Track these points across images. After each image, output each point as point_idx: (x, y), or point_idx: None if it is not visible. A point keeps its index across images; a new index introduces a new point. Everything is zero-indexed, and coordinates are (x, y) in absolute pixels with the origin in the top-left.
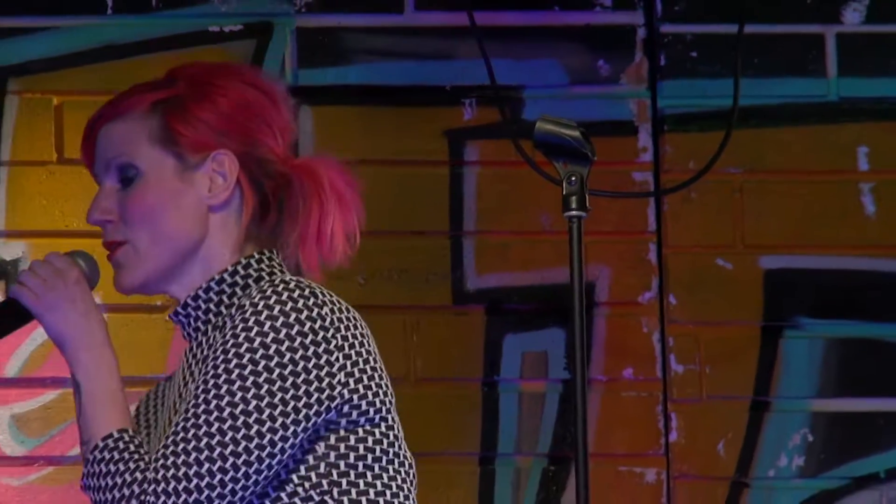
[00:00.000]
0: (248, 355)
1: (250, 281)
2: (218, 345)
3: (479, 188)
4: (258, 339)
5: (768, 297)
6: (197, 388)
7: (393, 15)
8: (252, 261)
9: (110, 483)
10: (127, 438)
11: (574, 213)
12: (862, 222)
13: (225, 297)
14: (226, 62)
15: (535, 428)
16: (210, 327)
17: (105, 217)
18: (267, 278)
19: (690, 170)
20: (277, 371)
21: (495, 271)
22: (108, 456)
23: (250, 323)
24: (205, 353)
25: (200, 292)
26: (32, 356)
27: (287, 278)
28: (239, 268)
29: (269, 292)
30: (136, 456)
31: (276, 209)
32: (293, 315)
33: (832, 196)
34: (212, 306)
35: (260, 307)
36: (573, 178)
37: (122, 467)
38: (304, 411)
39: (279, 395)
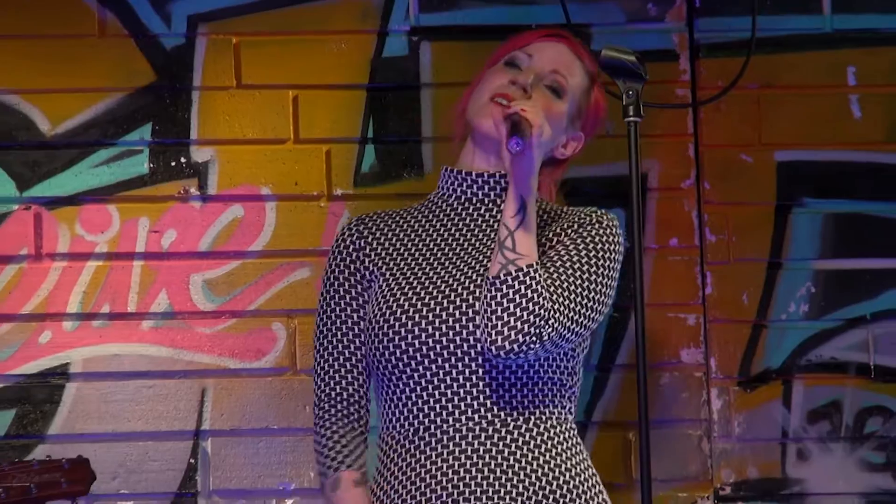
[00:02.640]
0: (610, 258)
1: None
2: (577, 231)
3: None
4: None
5: (780, 183)
6: (570, 251)
7: None
8: None
9: (534, 299)
10: (544, 275)
11: (632, 118)
12: (851, 124)
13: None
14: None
15: None
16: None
17: (524, 86)
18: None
19: (719, 86)
20: (614, 266)
21: (571, 165)
22: (539, 279)
23: (614, 237)
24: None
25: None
26: (219, 235)
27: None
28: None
29: (604, 213)
30: (546, 288)
31: None
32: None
33: (828, 105)
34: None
35: (618, 232)
36: (631, 93)
37: (544, 293)
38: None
39: (608, 289)
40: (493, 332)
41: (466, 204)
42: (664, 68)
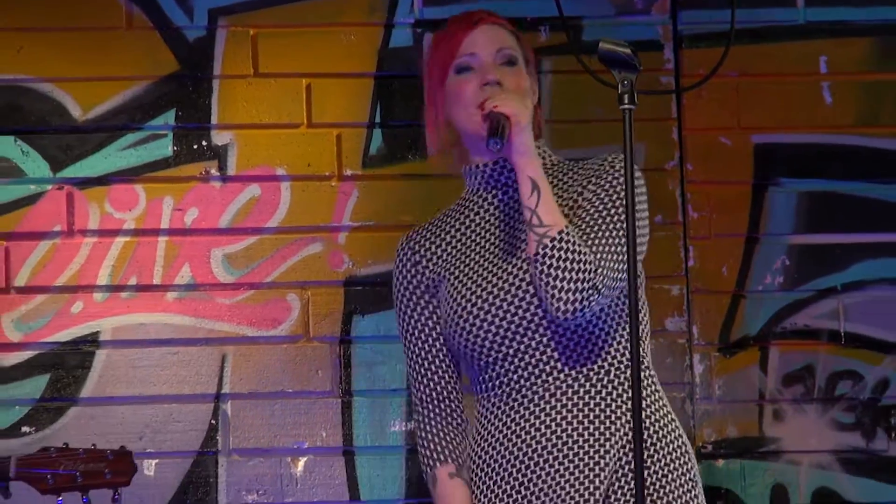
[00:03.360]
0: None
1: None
2: (596, 181)
3: (552, 90)
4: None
5: (757, 164)
6: (594, 203)
7: None
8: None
9: (576, 258)
10: (575, 232)
11: (627, 106)
12: (823, 109)
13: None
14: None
15: None
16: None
17: (496, 80)
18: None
19: (701, 74)
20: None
21: (565, 147)
22: (572, 239)
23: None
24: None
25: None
26: (238, 212)
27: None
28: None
29: (616, 156)
30: (583, 243)
31: None
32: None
33: (802, 91)
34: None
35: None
36: (626, 82)
37: (583, 249)
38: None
39: (640, 209)
40: (554, 300)
41: (494, 191)
42: (650, 57)
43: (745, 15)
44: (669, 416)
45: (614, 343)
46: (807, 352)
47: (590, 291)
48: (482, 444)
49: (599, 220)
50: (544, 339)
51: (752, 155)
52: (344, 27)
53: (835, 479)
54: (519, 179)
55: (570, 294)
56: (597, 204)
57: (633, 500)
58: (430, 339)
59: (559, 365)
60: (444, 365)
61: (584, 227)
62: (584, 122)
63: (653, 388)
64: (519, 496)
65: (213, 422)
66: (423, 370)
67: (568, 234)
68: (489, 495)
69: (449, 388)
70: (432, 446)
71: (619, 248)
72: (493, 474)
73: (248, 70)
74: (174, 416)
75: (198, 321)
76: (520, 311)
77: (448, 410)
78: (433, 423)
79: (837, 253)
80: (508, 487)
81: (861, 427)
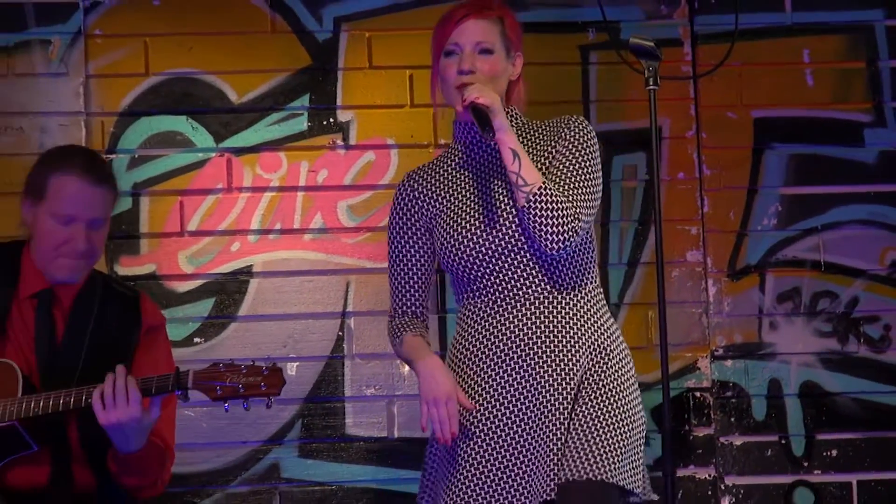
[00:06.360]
0: (591, 151)
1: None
2: (562, 142)
3: (598, 77)
4: (593, 143)
5: (756, 133)
6: (565, 160)
7: None
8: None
9: (557, 207)
10: (552, 187)
11: (652, 87)
12: (807, 89)
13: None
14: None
15: (630, 204)
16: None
17: (472, 69)
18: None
19: (712, 64)
20: (596, 155)
21: (607, 121)
22: (552, 191)
23: (587, 134)
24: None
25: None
26: (358, 173)
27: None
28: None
29: (574, 118)
30: (560, 194)
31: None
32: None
33: (790, 76)
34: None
35: (588, 129)
36: (651, 68)
37: (561, 199)
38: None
39: (598, 173)
40: (543, 242)
41: (478, 143)
42: (673, 52)
43: (746, 18)
44: (612, 322)
45: (582, 268)
46: (795, 277)
47: (570, 233)
48: (469, 339)
49: (572, 174)
50: (523, 260)
51: (752, 126)
52: None
53: (817, 374)
54: (501, 151)
55: (555, 236)
56: (570, 158)
57: (599, 398)
58: (413, 260)
59: (535, 284)
60: (418, 284)
61: (559, 180)
62: (622, 101)
63: (602, 305)
64: (502, 381)
65: (339, 333)
66: (403, 284)
67: (548, 188)
68: (473, 381)
69: (420, 303)
70: (401, 328)
71: (587, 197)
72: (475, 365)
73: (365, 64)
74: (310, 329)
75: (328, 256)
76: (504, 238)
77: (415, 317)
78: (404, 321)
79: (818, 201)
80: (492, 375)
81: (837, 334)
